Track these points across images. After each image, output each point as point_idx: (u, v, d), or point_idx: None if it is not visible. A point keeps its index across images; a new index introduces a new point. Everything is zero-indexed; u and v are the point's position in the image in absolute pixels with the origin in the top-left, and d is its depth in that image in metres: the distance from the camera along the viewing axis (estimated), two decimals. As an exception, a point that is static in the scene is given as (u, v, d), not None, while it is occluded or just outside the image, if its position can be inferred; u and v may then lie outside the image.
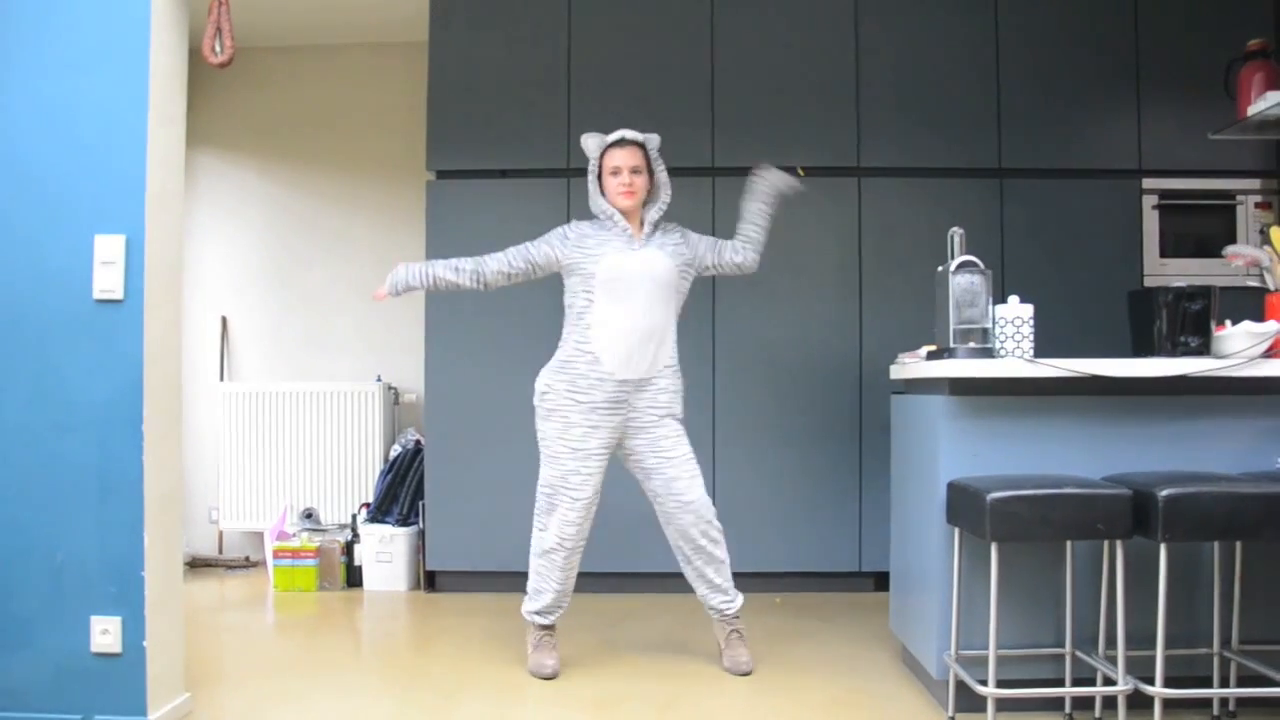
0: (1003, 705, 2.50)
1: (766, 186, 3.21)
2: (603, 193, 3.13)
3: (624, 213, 3.10)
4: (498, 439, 4.17)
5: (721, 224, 4.18)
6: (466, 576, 4.26)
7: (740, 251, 3.19)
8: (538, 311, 4.18)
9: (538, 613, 3.14)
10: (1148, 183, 4.16)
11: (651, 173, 3.14)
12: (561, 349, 3.12)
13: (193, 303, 4.95)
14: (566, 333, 3.13)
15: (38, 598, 2.45)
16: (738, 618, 3.16)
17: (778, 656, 3.25)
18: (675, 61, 4.23)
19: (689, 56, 4.23)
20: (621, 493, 3.76)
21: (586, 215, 3.20)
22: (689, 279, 3.17)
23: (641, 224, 3.12)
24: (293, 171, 5.09)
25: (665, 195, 3.15)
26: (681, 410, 3.15)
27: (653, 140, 3.13)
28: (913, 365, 2.95)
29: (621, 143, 3.09)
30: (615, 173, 3.07)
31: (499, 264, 3.14)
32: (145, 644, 2.45)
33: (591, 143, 3.12)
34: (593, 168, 3.13)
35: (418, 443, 4.59)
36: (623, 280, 3.02)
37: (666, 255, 3.08)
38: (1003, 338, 2.68)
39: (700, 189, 4.18)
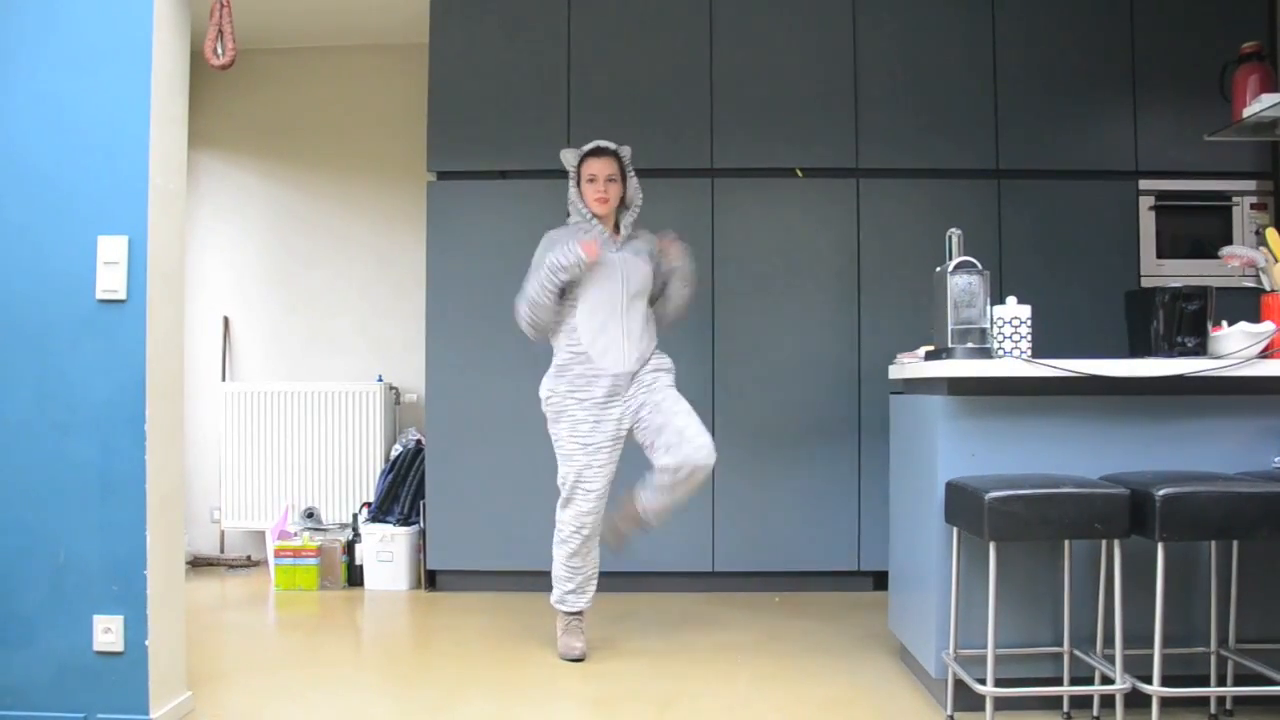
0: (1001, 704, 2.52)
1: (678, 270, 3.34)
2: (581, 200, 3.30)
3: (600, 218, 3.25)
4: (498, 439, 4.18)
5: (721, 224, 4.20)
6: (467, 576, 4.27)
7: (663, 310, 3.39)
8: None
9: (562, 599, 3.30)
10: (1144, 184, 4.17)
11: (624, 181, 3.29)
12: (556, 355, 3.28)
13: (195, 303, 4.96)
14: (557, 340, 3.28)
15: (40, 596, 2.46)
16: (648, 523, 3.29)
17: (777, 655, 3.26)
18: (674, 63, 4.24)
19: (688, 58, 4.24)
20: (620, 491, 3.76)
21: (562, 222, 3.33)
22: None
23: (617, 229, 3.28)
24: (294, 172, 5.10)
25: (638, 201, 3.32)
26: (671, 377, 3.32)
27: (624, 151, 3.29)
28: (911, 365, 2.96)
29: (597, 152, 3.25)
30: (591, 180, 3.23)
31: (535, 321, 3.25)
32: (147, 643, 2.45)
33: (569, 154, 3.29)
34: (573, 177, 3.28)
35: (418, 442, 4.60)
36: (602, 282, 3.19)
37: (642, 260, 3.27)
38: (1000, 338, 2.69)
39: (699, 190, 4.20)
